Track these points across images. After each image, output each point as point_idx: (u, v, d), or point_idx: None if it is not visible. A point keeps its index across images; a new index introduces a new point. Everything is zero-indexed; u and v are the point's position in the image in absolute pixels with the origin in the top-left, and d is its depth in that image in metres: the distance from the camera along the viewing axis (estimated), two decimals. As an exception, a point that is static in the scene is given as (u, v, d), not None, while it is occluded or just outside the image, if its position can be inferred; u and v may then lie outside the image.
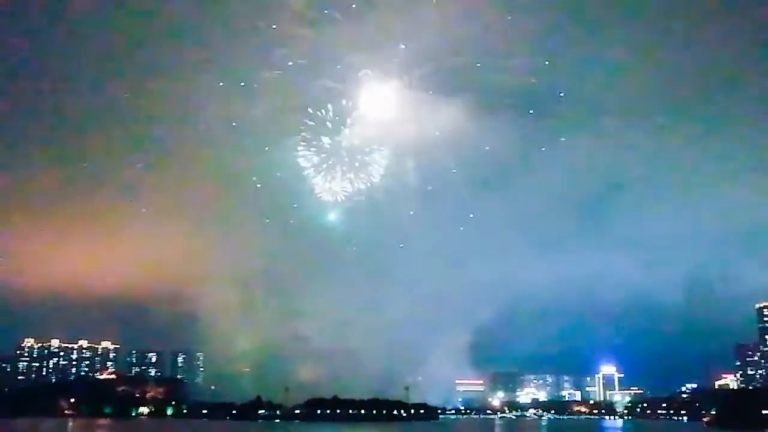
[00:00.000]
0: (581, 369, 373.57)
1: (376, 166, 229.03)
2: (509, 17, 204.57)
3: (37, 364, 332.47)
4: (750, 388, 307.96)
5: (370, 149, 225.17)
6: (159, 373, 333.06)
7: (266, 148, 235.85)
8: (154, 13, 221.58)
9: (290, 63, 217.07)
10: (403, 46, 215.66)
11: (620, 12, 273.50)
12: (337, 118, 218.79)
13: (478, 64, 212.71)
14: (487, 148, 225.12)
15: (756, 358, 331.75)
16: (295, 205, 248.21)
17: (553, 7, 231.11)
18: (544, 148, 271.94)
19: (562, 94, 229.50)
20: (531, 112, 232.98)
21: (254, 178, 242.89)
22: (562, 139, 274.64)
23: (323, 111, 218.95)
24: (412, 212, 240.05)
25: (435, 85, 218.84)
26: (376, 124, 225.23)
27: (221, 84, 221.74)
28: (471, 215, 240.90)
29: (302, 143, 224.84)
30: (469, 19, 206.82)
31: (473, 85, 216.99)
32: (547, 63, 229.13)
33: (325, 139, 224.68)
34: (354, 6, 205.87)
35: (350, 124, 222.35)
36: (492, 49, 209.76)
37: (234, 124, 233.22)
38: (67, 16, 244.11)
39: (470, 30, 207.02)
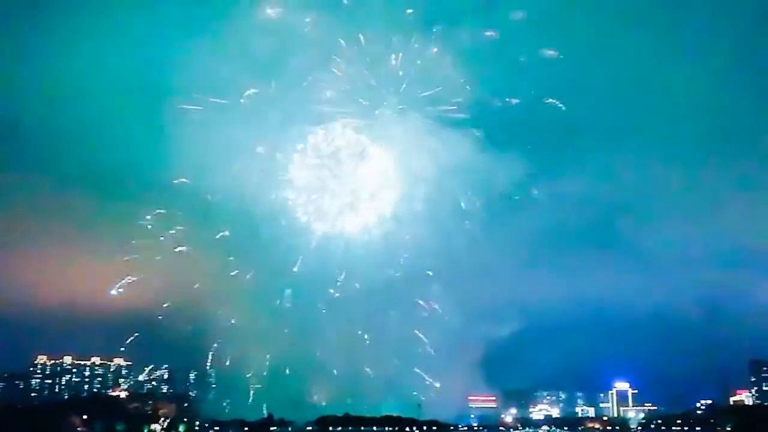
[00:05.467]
0: (595, 385, 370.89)
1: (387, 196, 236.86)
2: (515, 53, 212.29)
3: (50, 381, 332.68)
4: (765, 404, 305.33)
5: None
6: (171, 390, 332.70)
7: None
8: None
9: None
10: (412, 85, 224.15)
11: (629, 42, 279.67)
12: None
13: (486, 99, 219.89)
14: (496, 175, 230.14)
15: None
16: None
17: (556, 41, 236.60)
18: (557, 171, 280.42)
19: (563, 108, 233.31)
20: (538, 135, 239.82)
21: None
22: (572, 162, 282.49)
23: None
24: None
25: (443, 120, 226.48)
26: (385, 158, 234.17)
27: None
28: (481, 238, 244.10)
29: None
30: (476, 57, 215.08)
31: (482, 118, 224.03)
32: (552, 92, 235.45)
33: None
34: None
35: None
36: (499, 83, 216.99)
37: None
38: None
39: (478, 67, 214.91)
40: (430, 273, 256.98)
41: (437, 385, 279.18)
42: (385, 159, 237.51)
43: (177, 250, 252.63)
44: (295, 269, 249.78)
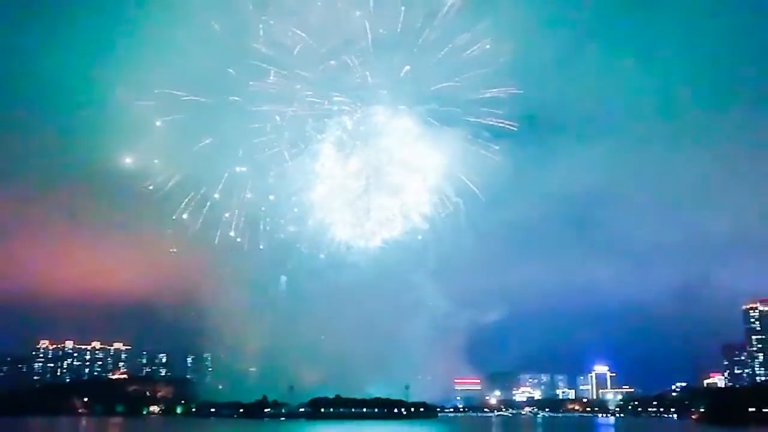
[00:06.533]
0: (575, 368, 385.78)
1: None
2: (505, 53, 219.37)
3: (52, 365, 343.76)
4: (737, 386, 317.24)
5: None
6: (169, 373, 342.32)
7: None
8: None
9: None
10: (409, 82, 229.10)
11: (605, 41, 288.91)
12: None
13: (478, 96, 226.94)
14: (485, 169, 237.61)
15: (743, 358, 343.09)
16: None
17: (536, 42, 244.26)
18: (539, 167, 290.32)
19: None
20: (528, 133, 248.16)
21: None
22: (556, 157, 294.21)
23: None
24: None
25: (437, 116, 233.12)
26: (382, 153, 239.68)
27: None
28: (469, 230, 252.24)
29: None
30: (470, 58, 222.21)
31: (473, 115, 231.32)
32: (542, 92, 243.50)
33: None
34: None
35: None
36: (490, 81, 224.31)
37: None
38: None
39: (470, 66, 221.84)
40: (418, 264, 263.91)
41: (424, 368, 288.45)
42: (375, 154, 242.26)
43: (174, 244, 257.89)
44: (289, 260, 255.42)
